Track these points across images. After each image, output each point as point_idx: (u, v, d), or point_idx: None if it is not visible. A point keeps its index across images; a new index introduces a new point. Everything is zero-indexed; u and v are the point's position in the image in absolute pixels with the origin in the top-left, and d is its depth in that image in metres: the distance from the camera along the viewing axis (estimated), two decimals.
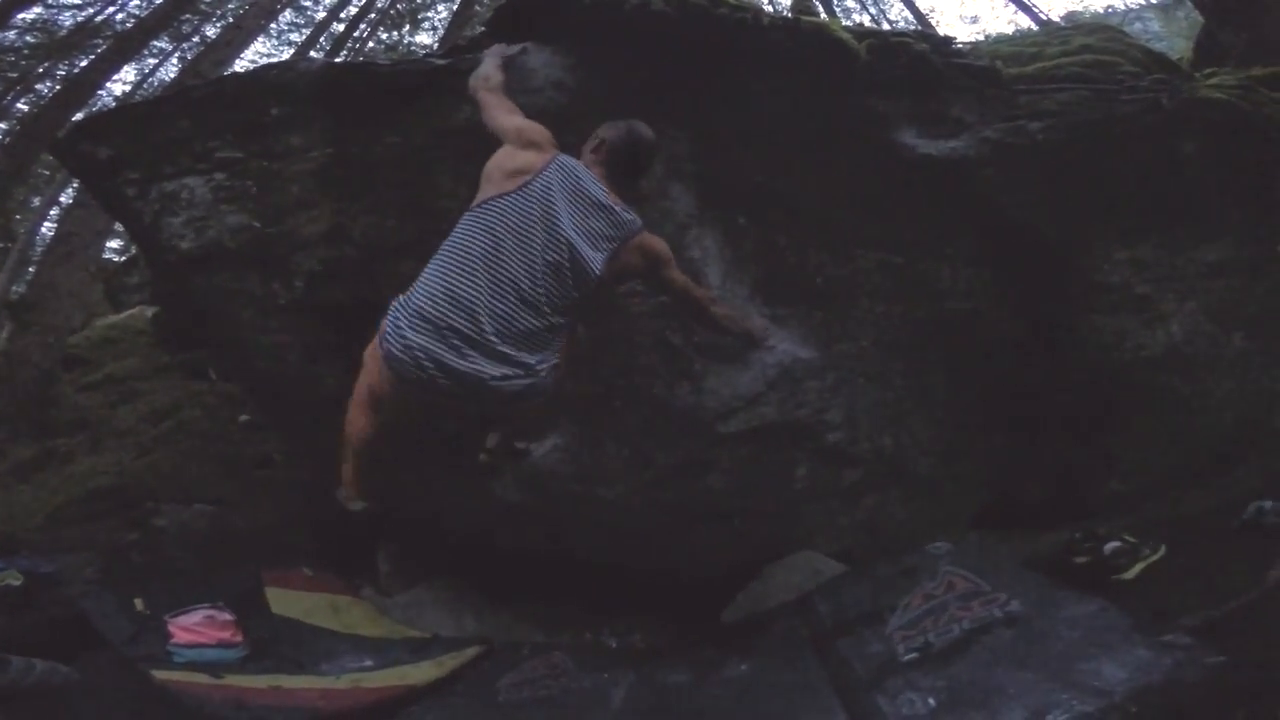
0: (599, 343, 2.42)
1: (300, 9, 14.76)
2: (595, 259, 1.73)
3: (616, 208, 1.80)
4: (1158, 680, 1.54)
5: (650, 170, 2.01)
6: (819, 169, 2.64)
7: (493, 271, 1.63)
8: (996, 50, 3.42)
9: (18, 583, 2.68)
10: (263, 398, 3.18)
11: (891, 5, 16.85)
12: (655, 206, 2.47)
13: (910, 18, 15.83)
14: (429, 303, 1.59)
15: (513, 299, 1.62)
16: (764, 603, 2.68)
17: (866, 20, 16.18)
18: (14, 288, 12.07)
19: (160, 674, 2.15)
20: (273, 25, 13.51)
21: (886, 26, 15.95)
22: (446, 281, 1.62)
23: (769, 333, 2.34)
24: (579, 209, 1.75)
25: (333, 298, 2.37)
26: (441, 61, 2.38)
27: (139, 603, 2.57)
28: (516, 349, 1.61)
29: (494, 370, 1.58)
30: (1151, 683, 1.54)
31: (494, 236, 1.66)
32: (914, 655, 1.94)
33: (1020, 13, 14.89)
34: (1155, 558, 2.35)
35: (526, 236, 1.67)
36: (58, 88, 12.59)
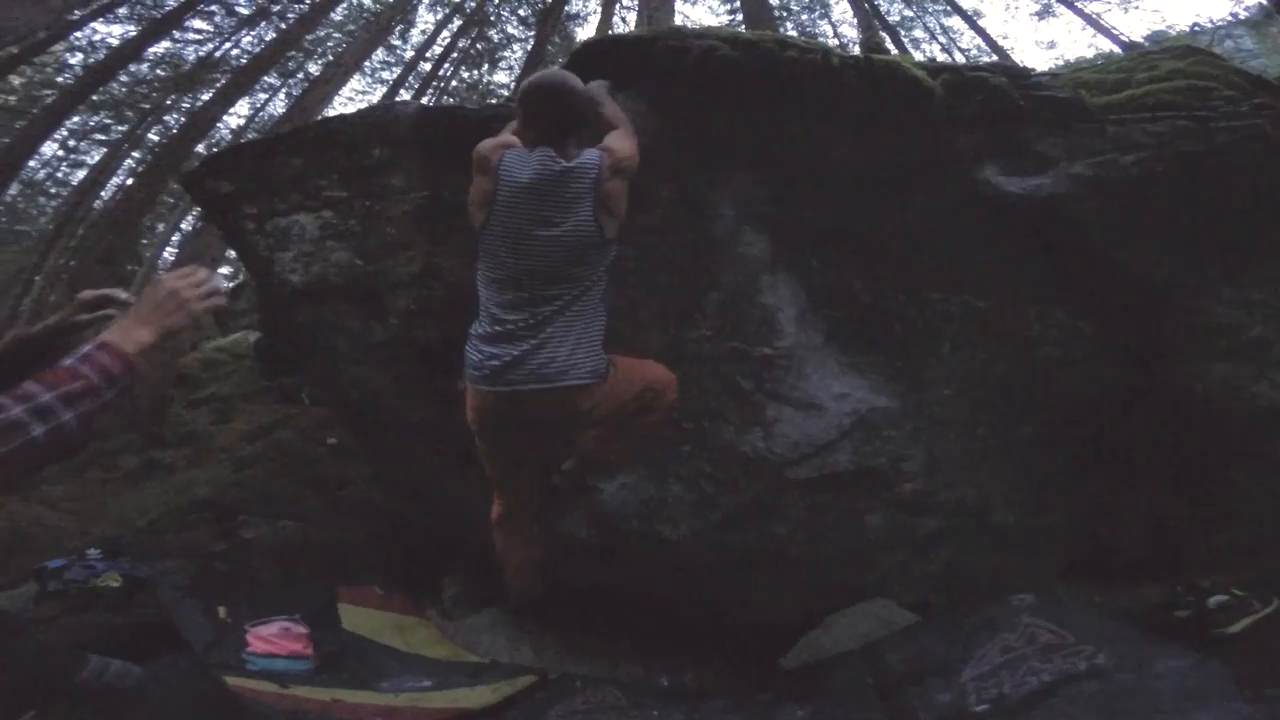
0: None
1: (390, 48, 15.71)
2: (584, 223, 1.79)
3: (570, 165, 1.81)
4: None
5: (564, 112, 1.89)
6: (897, 210, 2.55)
7: (504, 289, 1.83)
8: (1079, 78, 3.23)
9: (117, 584, 2.84)
10: (351, 424, 3.28)
11: (962, 34, 16.45)
12: (728, 252, 2.45)
13: (982, 45, 15.39)
14: (478, 327, 1.87)
15: (528, 304, 1.80)
16: (827, 649, 2.56)
17: (936, 50, 15.87)
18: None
19: (232, 680, 2.21)
20: (366, 64, 14.39)
21: (958, 55, 15.55)
22: (485, 308, 1.86)
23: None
24: (542, 196, 1.79)
25: (424, 335, 2.42)
26: None
27: (222, 610, 2.66)
28: (551, 343, 1.77)
29: (536, 359, 1.77)
30: None
31: (496, 262, 1.84)
32: (986, 706, 1.86)
33: (1099, 35, 14.16)
34: (1267, 612, 2.22)
35: (515, 251, 1.81)
36: (183, 120, 13.74)
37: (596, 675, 2.74)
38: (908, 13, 16.44)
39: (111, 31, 13.47)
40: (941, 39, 16.16)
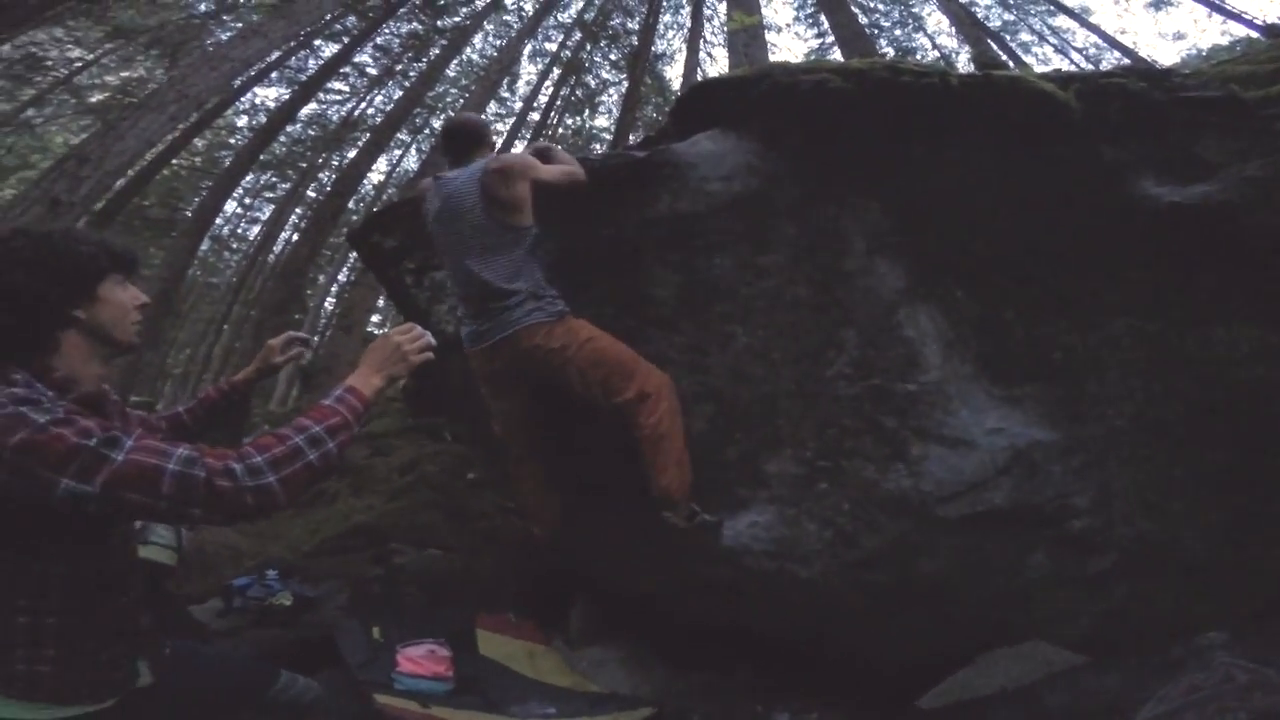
0: (804, 425, 2.29)
1: (501, 100, 16.65)
2: (478, 223, 2.17)
3: (453, 176, 2.27)
4: None
5: (462, 145, 2.37)
6: (1046, 230, 2.30)
7: (457, 279, 2.29)
8: (1225, 72, 2.84)
9: (288, 603, 3.02)
10: (491, 460, 3.36)
11: (1073, 34, 15.17)
12: (860, 286, 2.31)
13: (1100, 42, 14.10)
14: (459, 310, 2.38)
15: (469, 285, 2.21)
16: (975, 690, 2.30)
17: (1049, 51, 14.71)
18: (305, 354, 14.51)
19: (381, 698, 2.27)
20: (482, 117, 15.29)
21: (1075, 55, 14.33)
22: (457, 297, 2.35)
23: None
24: (450, 209, 2.23)
25: None
26: (640, 154, 2.43)
27: (376, 631, 2.78)
28: (491, 301, 2.16)
29: (501, 319, 2.16)
30: None
31: (446, 262, 2.37)
32: None
33: (1230, 22, 12.58)
34: None
35: (446, 244, 2.29)
36: (333, 177, 15.13)
37: (714, 710, 2.61)
38: (1008, 17, 15.39)
39: (268, 95, 15.11)
40: (1052, 40, 14.93)
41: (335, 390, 1.22)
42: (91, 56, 11.39)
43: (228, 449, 1.05)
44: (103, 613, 1.14)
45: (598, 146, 14.66)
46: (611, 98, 16.33)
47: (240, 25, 9.55)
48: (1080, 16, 14.59)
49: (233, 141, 15.43)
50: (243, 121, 15.48)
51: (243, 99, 13.82)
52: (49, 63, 10.63)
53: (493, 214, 2.13)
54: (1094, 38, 14.27)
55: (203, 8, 10.75)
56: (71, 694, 1.07)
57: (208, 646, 1.81)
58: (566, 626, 3.12)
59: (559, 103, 16.14)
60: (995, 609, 2.36)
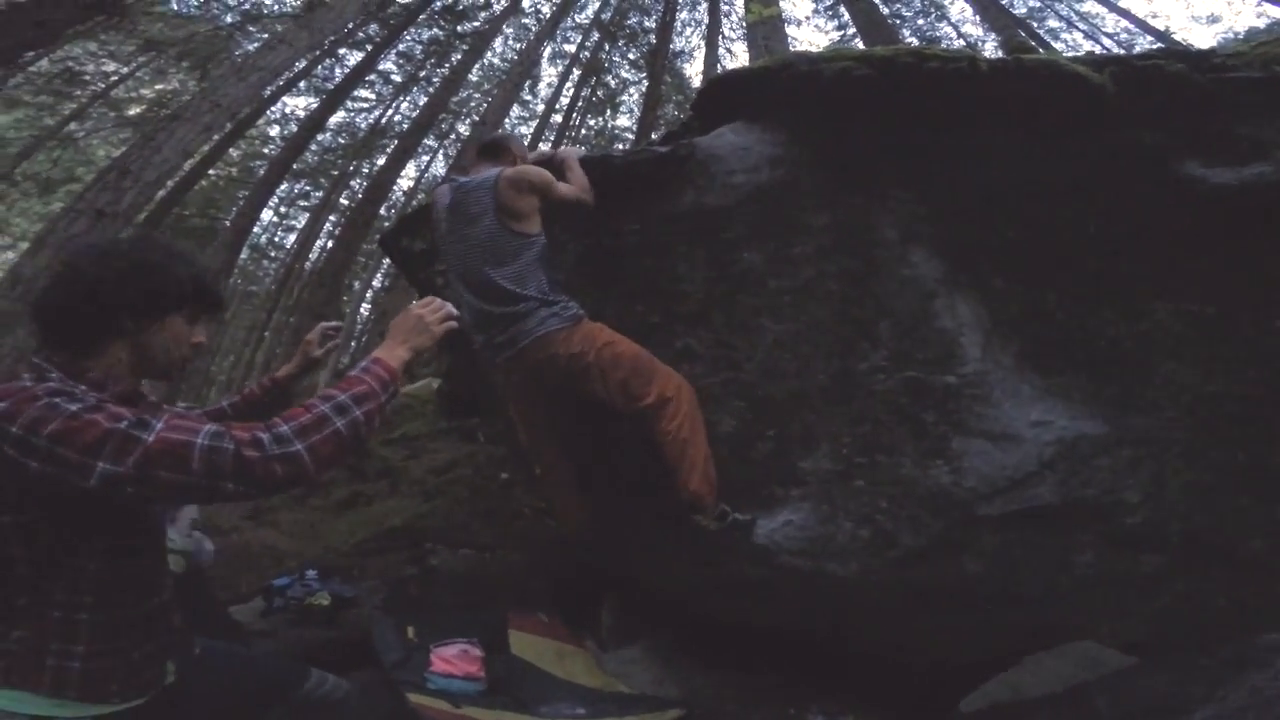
0: (838, 420, 2.23)
1: (524, 103, 16.73)
2: (489, 228, 2.14)
3: (466, 181, 2.23)
4: None
5: (487, 154, 2.34)
6: (1087, 215, 2.20)
7: (467, 285, 2.22)
8: (1267, 53, 2.73)
9: (326, 603, 3.05)
10: (523, 461, 3.34)
11: (1104, 19, 14.71)
12: (895, 276, 2.24)
13: (1130, 27, 13.66)
14: (465, 316, 2.22)
15: (478, 291, 2.17)
16: (1019, 693, 2.22)
17: (1079, 37, 14.28)
18: (342, 359, 14.75)
19: (413, 697, 2.28)
20: (506, 120, 15.42)
21: (1106, 40, 13.91)
22: (464, 304, 2.24)
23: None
24: (461, 212, 2.20)
25: None
26: (664, 149, 2.39)
27: (411, 631, 2.79)
28: (499, 305, 2.13)
29: (500, 325, 2.15)
30: None
31: (450, 265, 2.32)
32: None
33: (1265, 4, 12.10)
34: None
35: (454, 250, 2.24)
36: (364, 184, 15.32)
37: (745, 712, 2.57)
38: (1034, 3, 14.97)
39: (298, 104, 15.36)
40: (1081, 26, 14.48)
41: (362, 362, 1.24)
42: (126, 70, 11.72)
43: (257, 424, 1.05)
44: (135, 611, 1.15)
45: (620, 146, 14.66)
46: (632, 97, 16.30)
47: (266, 36, 9.71)
48: (1109, 1, 14.16)
49: (266, 151, 15.74)
50: (275, 131, 15.80)
51: (273, 108, 14.09)
52: (86, 77, 10.96)
53: (503, 220, 2.14)
54: (1125, 22, 13.84)
55: (228, 19, 10.97)
56: (100, 692, 1.08)
57: (238, 645, 1.82)
58: (597, 626, 3.10)
59: (580, 104, 16.15)
60: (1040, 608, 2.28)
